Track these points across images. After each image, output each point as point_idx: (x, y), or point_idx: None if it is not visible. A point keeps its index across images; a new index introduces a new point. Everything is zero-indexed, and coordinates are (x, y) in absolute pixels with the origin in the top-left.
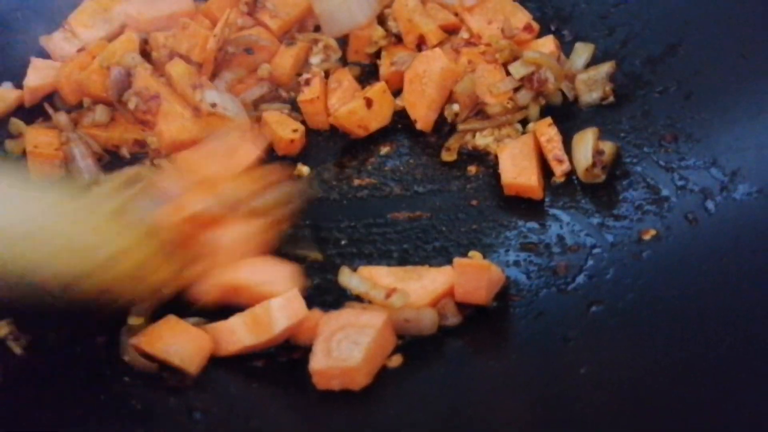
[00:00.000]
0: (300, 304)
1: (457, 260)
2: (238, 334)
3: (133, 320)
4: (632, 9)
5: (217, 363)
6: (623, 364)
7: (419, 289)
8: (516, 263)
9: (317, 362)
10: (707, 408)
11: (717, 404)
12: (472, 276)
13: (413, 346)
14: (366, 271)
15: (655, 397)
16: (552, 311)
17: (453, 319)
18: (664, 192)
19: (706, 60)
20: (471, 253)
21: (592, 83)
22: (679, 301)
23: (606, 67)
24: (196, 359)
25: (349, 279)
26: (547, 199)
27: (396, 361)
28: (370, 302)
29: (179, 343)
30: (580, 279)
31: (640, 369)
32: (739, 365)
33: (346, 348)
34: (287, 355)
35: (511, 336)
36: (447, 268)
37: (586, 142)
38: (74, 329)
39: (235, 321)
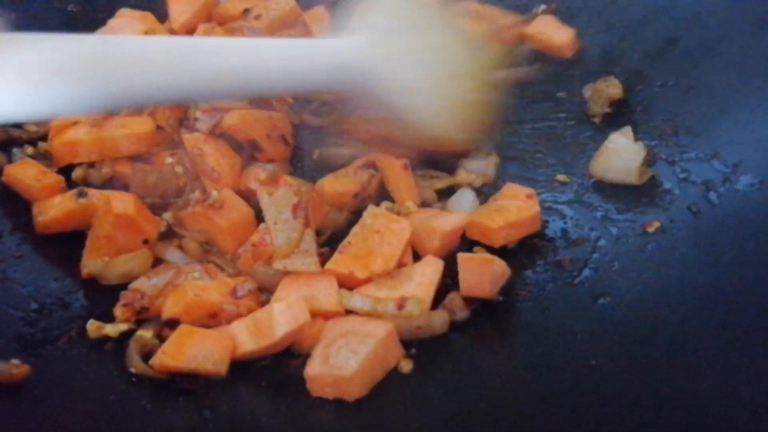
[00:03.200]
0: (302, 309)
1: (460, 255)
2: (239, 338)
3: (143, 332)
4: (630, 4)
5: None
6: (631, 355)
7: (416, 287)
8: (521, 257)
9: (312, 368)
10: (714, 399)
11: (723, 395)
12: (476, 270)
13: (421, 342)
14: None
15: (663, 388)
16: (559, 305)
17: (461, 313)
18: (667, 185)
19: (705, 54)
20: (475, 248)
21: (597, 98)
22: (685, 292)
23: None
24: (226, 360)
25: (350, 299)
26: (549, 195)
27: (406, 366)
28: None
29: (206, 349)
30: (586, 272)
31: (648, 360)
32: (744, 356)
33: (344, 356)
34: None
35: (518, 330)
36: (427, 258)
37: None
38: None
39: (237, 326)
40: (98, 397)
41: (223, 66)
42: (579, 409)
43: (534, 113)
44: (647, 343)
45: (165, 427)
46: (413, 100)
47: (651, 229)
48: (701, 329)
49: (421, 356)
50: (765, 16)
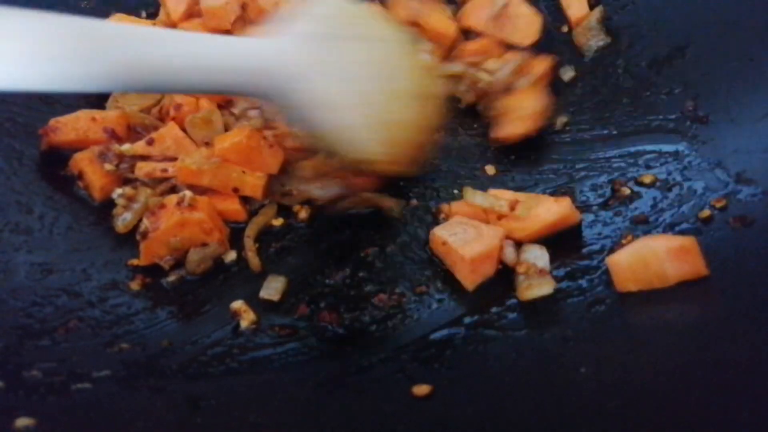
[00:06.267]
0: None
1: None
2: None
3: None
4: (638, 11)
5: (216, 353)
6: (623, 365)
7: (533, 216)
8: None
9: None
10: (707, 410)
11: (717, 406)
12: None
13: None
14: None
15: (655, 398)
16: (552, 311)
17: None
18: (669, 194)
19: (712, 62)
20: None
21: (587, 31)
22: (682, 303)
23: (595, 14)
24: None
25: (474, 196)
26: None
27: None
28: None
29: None
30: (582, 280)
31: (640, 370)
32: (739, 367)
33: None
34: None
35: (509, 337)
36: (563, 200)
37: None
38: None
39: None
40: (88, 390)
41: (122, 56)
42: (568, 418)
43: None
44: (640, 353)
45: (153, 421)
46: (329, 114)
47: None
48: (697, 340)
49: (415, 364)
50: None
